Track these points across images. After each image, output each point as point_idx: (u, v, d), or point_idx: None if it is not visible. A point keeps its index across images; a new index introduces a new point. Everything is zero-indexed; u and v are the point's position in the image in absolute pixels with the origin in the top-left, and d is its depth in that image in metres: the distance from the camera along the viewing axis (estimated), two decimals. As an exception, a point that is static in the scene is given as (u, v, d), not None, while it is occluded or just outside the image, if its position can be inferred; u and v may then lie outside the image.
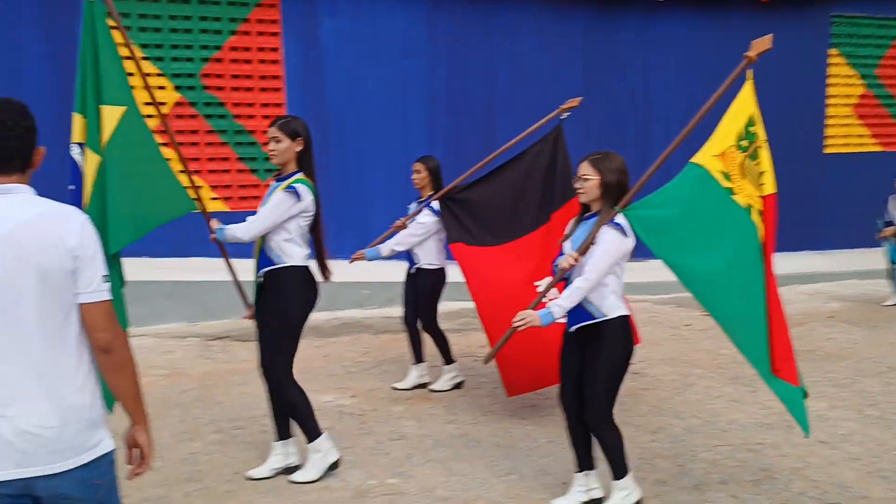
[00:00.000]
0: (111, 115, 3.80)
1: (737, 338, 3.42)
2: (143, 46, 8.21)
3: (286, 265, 3.71)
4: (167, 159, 3.94)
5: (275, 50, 8.67)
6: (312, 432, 3.82)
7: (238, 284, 4.14)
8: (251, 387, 5.29)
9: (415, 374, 5.37)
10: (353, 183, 9.01)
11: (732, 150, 3.44)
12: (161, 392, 5.20)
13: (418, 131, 9.19)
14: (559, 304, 3.30)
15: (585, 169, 3.41)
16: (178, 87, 8.39)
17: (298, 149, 3.74)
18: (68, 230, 1.92)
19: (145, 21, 8.20)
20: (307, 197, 3.69)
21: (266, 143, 3.82)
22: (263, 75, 8.69)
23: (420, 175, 5.23)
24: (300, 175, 3.76)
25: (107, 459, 2.03)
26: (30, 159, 2.02)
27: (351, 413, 4.85)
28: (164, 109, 8.33)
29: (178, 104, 8.40)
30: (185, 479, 3.86)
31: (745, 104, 3.47)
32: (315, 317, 4.16)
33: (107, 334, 1.97)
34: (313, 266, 3.86)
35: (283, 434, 3.91)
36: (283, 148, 3.72)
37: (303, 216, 3.72)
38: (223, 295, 7.36)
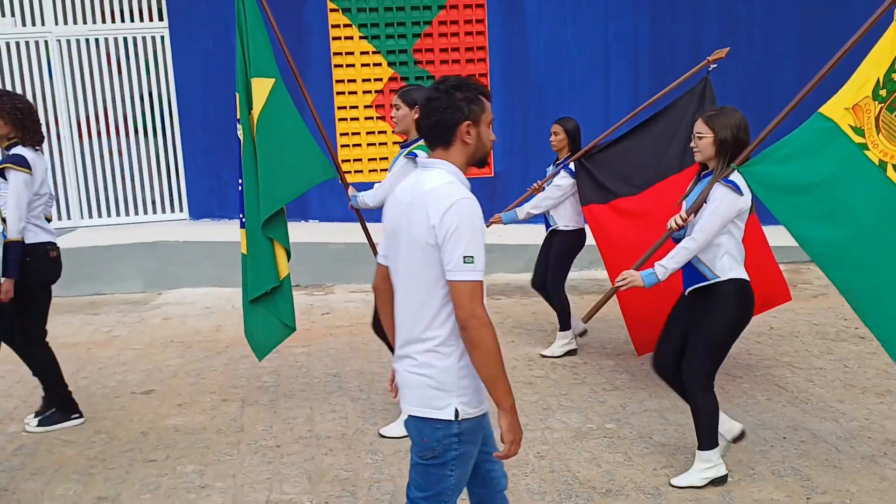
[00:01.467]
0: (262, 87, 4.20)
1: (867, 312, 3.11)
2: (361, 26, 8.85)
3: None
4: (307, 129, 4.29)
5: (480, 21, 8.97)
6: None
7: (372, 245, 4.39)
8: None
9: (557, 340, 5.26)
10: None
11: (867, 102, 3.13)
12: (347, 339, 5.77)
13: (621, 94, 9.11)
14: (663, 264, 3.26)
15: (699, 126, 3.32)
16: (391, 64, 8.96)
17: (417, 116, 3.88)
18: (436, 209, 2.09)
19: (363, 2, 8.82)
20: None
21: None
22: (469, 47, 9.03)
23: (558, 137, 5.21)
24: (421, 142, 3.91)
25: (443, 426, 2.13)
26: (450, 136, 2.21)
27: (563, 364, 5.08)
28: (378, 86, 8.97)
29: (391, 79, 8.98)
30: (382, 409, 4.30)
31: (888, 48, 3.12)
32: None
33: (462, 312, 2.07)
34: None
35: None
36: (402, 115, 3.95)
37: None
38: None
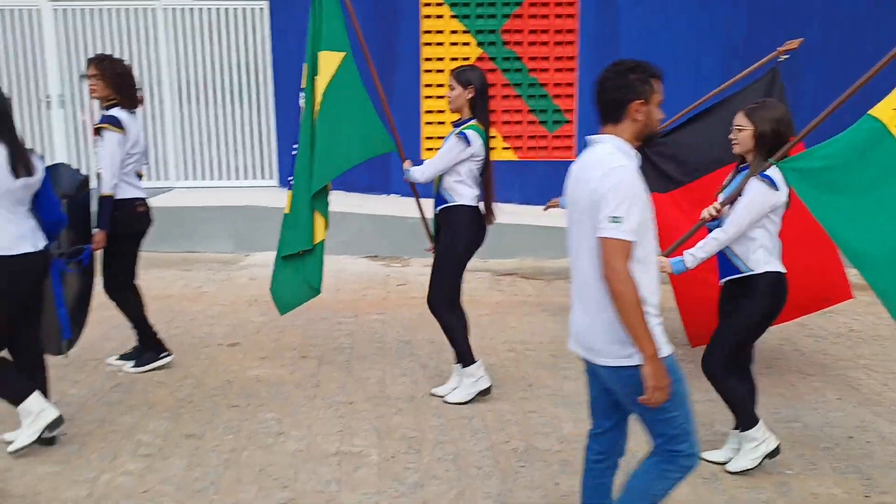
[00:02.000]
0: (331, 60, 4.33)
1: None
2: (452, 5, 8.96)
3: (456, 204, 4.08)
4: (373, 103, 4.43)
5: (571, 4, 8.96)
6: (466, 358, 4.17)
7: (424, 221, 4.60)
8: (539, 317, 5.81)
9: None
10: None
11: None
12: (419, 311, 5.77)
13: (712, 83, 8.92)
14: (692, 253, 3.30)
15: (740, 119, 3.33)
16: (480, 44, 9.05)
17: (469, 96, 4.00)
18: (595, 175, 2.34)
19: (455, -19, 8.93)
20: (476, 142, 3.98)
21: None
22: (559, 29, 9.02)
23: None
24: (473, 122, 4.05)
25: (627, 372, 2.37)
26: (620, 113, 2.42)
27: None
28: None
29: (479, 59, 9.07)
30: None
31: None
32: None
33: (605, 269, 2.31)
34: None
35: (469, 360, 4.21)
36: (456, 95, 4.03)
37: (473, 160, 4.03)
38: (510, 236, 8.03)
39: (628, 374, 2.37)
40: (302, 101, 4.47)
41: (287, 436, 3.77)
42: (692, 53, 8.98)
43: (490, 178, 4.16)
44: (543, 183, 7.76)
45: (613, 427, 2.65)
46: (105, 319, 5.11)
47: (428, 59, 9.06)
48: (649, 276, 2.39)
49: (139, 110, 4.53)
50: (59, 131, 8.99)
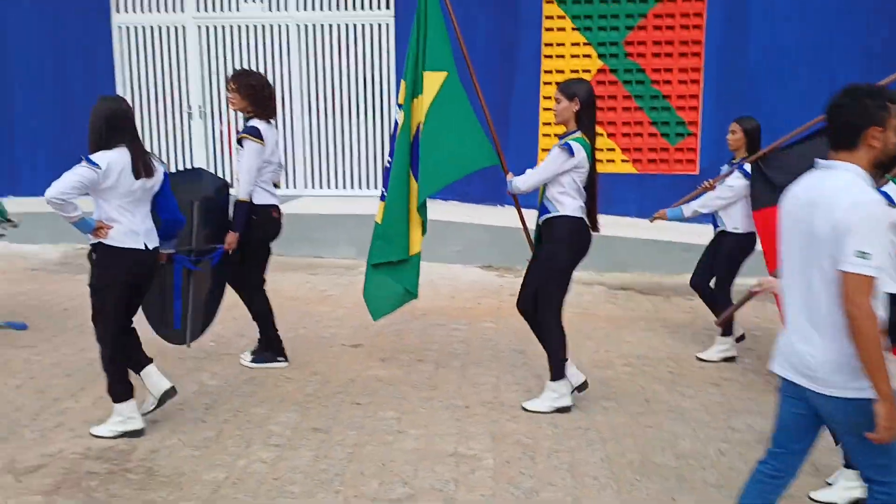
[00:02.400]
0: (434, 80, 4.47)
1: None
2: (574, 18, 8.97)
3: (559, 214, 4.04)
4: (477, 118, 4.51)
5: (698, 15, 8.77)
6: (558, 373, 4.14)
7: (526, 231, 4.61)
8: (657, 333, 5.72)
9: (716, 345, 5.11)
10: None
11: None
12: (576, 326, 5.87)
13: (847, 95, 8.53)
14: None
15: None
16: (601, 56, 9.00)
17: (575, 109, 3.99)
18: (841, 204, 2.29)
19: (578, -6, 8.94)
20: (580, 153, 3.96)
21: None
22: (684, 41, 8.85)
23: (735, 136, 5.01)
24: (578, 133, 4.02)
25: (855, 404, 2.32)
26: (856, 139, 2.36)
27: (755, 370, 4.97)
28: (587, 77, 9.04)
29: (599, 71, 9.03)
30: (601, 396, 4.45)
31: None
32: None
33: (848, 304, 2.26)
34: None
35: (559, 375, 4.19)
36: (562, 108, 4.03)
37: (576, 171, 4.01)
38: (626, 250, 7.93)
39: (855, 406, 2.34)
40: (399, 117, 4.65)
41: (406, 434, 3.91)
42: (827, 63, 8.57)
43: (595, 189, 4.18)
44: (662, 196, 7.58)
45: (800, 450, 2.62)
46: (241, 316, 5.43)
47: (548, 72, 9.10)
48: (881, 312, 2.35)
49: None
50: (199, 140, 9.64)
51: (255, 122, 4.63)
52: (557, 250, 4.15)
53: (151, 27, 9.44)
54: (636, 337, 5.64)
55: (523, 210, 4.76)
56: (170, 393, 3.98)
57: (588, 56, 9.02)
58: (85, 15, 9.30)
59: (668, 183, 8.80)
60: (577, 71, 9.05)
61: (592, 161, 4.12)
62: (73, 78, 9.39)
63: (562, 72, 9.07)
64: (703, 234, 7.65)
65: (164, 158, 9.64)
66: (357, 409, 4.21)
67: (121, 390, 3.87)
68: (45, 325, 5.63)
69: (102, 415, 4.00)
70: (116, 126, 3.70)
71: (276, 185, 4.86)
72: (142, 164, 3.73)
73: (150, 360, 4.02)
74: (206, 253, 4.51)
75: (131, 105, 3.97)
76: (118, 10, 9.40)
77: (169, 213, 3.95)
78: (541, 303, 4.20)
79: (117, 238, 3.71)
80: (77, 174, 3.56)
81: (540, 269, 4.24)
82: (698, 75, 8.87)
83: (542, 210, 4.21)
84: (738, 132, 5.02)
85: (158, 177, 3.86)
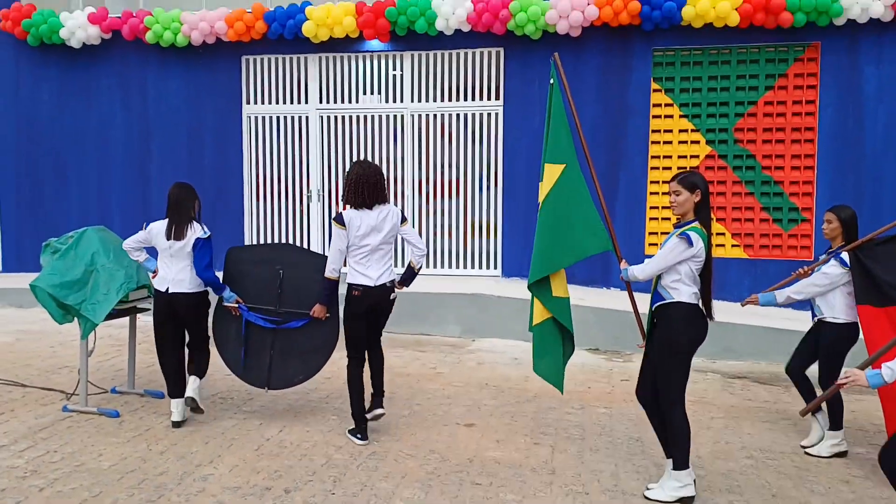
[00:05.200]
0: (553, 172, 4.75)
1: None
2: (682, 105, 9.11)
3: (675, 301, 4.08)
4: (594, 206, 4.72)
5: (811, 102, 8.74)
6: (683, 461, 4.09)
7: (638, 316, 4.61)
8: (778, 425, 5.56)
9: (817, 427, 5.02)
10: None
11: None
12: (692, 415, 5.75)
13: (974, 183, 8.23)
14: (890, 366, 3.12)
15: None
16: (709, 142, 9.06)
17: (696, 200, 4.09)
18: None
19: (686, 83, 9.09)
20: (698, 244, 4.02)
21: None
22: (796, 127, 8.82)
23: (831, 225, 4.94)
24: (695, 224, 4.08)
25: None
26: None
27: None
28: (695, 162, 9.11)
29: (708, 157, 9.07)
30: (724, 489, 4.35)
31: None
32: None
33: None
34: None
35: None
36: (683, 199, 4.11)
37: (694, 260, 4.05)
38: (741, 337, 7.76)
39: None
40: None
41: (527, 518, 3.93)
42: (950, 150, 8.35)
43: (710, 277, 4.21)
44: (775, 282, 7.45)
45: None
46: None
47: (655, 157, 9.21)
48: None
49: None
50: (316, 221, 10.17)
51: (344, 210, 5.04)
52: (674, 336, 4.18)
53: (278, 117, 10.18)
54: (756, 429, 5.49)
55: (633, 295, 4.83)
56: (176, 424, 5.22)
57: (696, 142, 9.10)
58: (220, 104, 10.15)
59: (781, 268, 8.61)
60: (684, 156, 9.14)
61: (708, 250, 4.19)
62: (207, 161, 10.19)
63: (669, 157, 9.18)
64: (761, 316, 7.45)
65: (285, 237, 10.22)
66: (478, 490, 4.27)
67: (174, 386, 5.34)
68: (179, 393, 6.00)
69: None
70: (168, 205, 5.18)
71: (410, 266, 5.19)
72: (172, 231, 5.11)
73: (180, 395, 5.27)
74: (296, 317, 5.29)
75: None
76: (248, 102, 10.20)
77: (198, 272, 5.13)
78: (662, 390, 4.20)
79: (156, 282, 5.24)
80: (137, 234, 5.30)
81: (659, 357, 4.26)
82: (812, 161, 8.78)
83: (657, 297, 4.26)
84: (834, 221, 4.99)
85: (185, 241, 5.11)
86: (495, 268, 9.79)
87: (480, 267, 9.87)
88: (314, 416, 5.53)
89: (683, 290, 4.13)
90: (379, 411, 5.17)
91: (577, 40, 9.03)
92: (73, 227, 7.74)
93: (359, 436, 5.04)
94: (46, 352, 7.48)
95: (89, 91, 10.45)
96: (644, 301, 4.54)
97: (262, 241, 10.23)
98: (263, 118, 10.22)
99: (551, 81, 4.87)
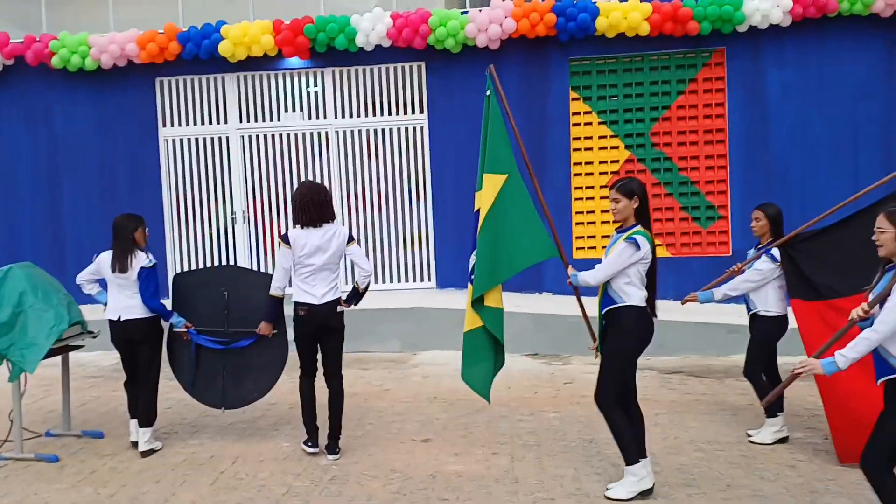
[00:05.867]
0: (494, 182, 4.81)
1: None
2: (600, 112, 9.40)
3: (626, 304, 4.24)
4: (538, 215, 4.81)
5: (720, 105, 9.19)
6: (630, 456, 4.25)
7: (587, 321, 4.77)
8: (719, 416, 5.81)
9: (767, 427, 5.18)
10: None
11: None
12: (594, 409, 5.91)
13: (871, 176, 8.78)
14: (844, 353, 3.30)
15: (880, 221, 3.41)
16: (628, 147, 9.39)
17: (635, 206, 4.28)
18: None
19: (603, 91, 9.39)
20: (645, 246, 4.22)
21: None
22: (708, 129, 9.25)
23: (759, 223, 5.25)
24: (639, 227, 4.28)
25: None
26: None
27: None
28: (615, 167, 9.42)
29: (627, 161, 9.40)
30: (682, 483, 4.51)
31: None
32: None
33: None
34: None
35: (639, 455, 4.31)
36: (622, 206, 4.30)
37: (642, 262, 4.25)
38: (671, 333, 8.05)
39: None
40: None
41: (499, 529, 3.97)
42: (849, 148, 8.94)
43: (655, 278, 4.37)
44: (698, 278, 7.76)
45: None
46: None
47: (577, 164, 9.47)
48: None
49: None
50: (242, 243, 9.95)
51: (291, 230, 5.10)
52: (625, 339, 4.30)
53: (196, 139, 9.92)
54: (699, 421, 5.72)
55: (559, 296, 4.93)
56: (135, 443, 5.28)
57: (616, 147, 9.41)
58: (134, 128, 9.79)
59: (702, 265, 9.04)
60: (605, 162, 9.43)
61: (654, 251, 4.34)
62: (122, 188, 9.81)
63: (591, 163, 9.45)
64: (744, 315, 7.82)
65: (211, 259, 9.94)
66: (446, 506, 4.28)
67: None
68: (119, 431, 5.75)
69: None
70: (113, 234, 5.27)
71: (355, 287, 5.19)
72: (118, 263, 5.16)
73: (135, 417, 5.34)
74: (244, 336, 5.32)
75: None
76: (164, 125, 9.90)
77: (143, 299, 5.17)
78: (602, 389, 4.31)
79: (107, 314, 5.27)
80: (88, 267, 5.35)
81: (607, 358, 4.37)
82: (724, 161, 9.23)
83: (607, 300, 4.37)
84: (762, 218, 5.25)
85: (129, 273, 5.15)
86: (429, 280, 9.82)
87: (415, 280, 9.87)
88: (266, 445, 5.40)
89: (633, 294, 4.26)
90: (331, 458, 5.06)
91: (496, 52, 9.19)
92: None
93: (309, 444, 5.13)
94: (-35, 399, 7.02)
95: (-10, 120, 9.90)
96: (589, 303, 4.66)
97: (184, 269, 9.92)
98: (181, 140, 9.93)
99: (487, 93, 4.94)
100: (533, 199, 4.93)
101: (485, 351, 4.93)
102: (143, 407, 5.25)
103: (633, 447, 4.29)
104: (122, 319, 5.17)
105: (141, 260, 5.18)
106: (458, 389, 6.81)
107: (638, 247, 4.22)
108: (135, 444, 5.30)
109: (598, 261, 4.68)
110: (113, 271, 5.15)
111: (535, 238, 4.86)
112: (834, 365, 3.40)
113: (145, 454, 5.20)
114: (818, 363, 3.44)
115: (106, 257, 5.25)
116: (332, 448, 5.10)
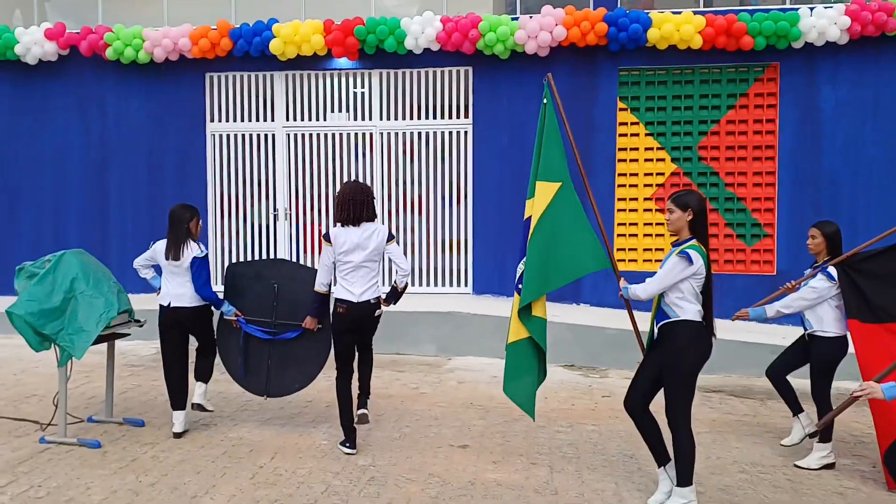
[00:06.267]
0: (547, 190, 4.74)
1: None
2: (647, 124, 9.31)
3: (680, 319, 4.17)
4: (591, 225, 4.73)
5: (771, 121, 9.04)
6: (687, 479, 4.18)
7: (638, 333, 4.70)
8: (763, 438, 5.68)
9: (798, 427, 5.19)
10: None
11: None
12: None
13: (926, 198, 8.62)
14: None
15: None
16: (674, 159, 9.28)
17: (689, 218, 4.20)
18: None
19: (651, 102, 9.30)
20: (698, 261, 4.12)
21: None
22: (757, 145, 9.10)
23: (815, 240, 5.14)
24: (693, 241, 4.19)
25: None
26: None
27: (874, 479, 4.90)
28: (660, 180, 9.31)
29: (673, 174, 9.28)
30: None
31: None
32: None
33: None
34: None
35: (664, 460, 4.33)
36: (675, 218, 4.23)
37: (695, 278, 4.15)
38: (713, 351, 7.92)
39: None
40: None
41: (539, 541, 3.92)
42: (904, 167, 8.73)
43: (711, 295, 4.28)
44: (741, 297, 7.66)
45: None
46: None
47: (622, 175, 9.38)
48: None
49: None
50: (283, 241, 10.02)
51: (332, 227, 5.23)
52: (682, 354, 4.23)
53: (243, 135, 10.02)
54: (743, 443, 5.61)
55: (596, 308, 4.87)
56: (177, 435, 5.40)
57: (662, 160, 9.31)
58: (183, 122, 9.93)
59: (746, 283, 8.89)
60: (650, 174, 9.33)
61: (708, 267, 4.26)
62: (168, 181, 9.95)
63: (636, 174, 9.36)
64: (787, 336, 7.67)
65: (252, 255, 10.02)
66: (486, 513, 4.24)
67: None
68: (160, 420, 5.82)
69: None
70: (169, 223, 5.41)
71: (394, 287, 5.28)
72: (171, 251, 5.31)
73: (181, 407, 5.43)
74: (291, 328, 5.47)
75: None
76: (212, 120, 10.02)
77: (197, 290, 5.33)
78: (670, 408, 4.24)
79: (159, 299, 5.43)
80: (145, 253, 5.58)
81: (668, 377, 4.30)
82: (773, 178, 9.07)
83: (661, 315, 4.31)
84: (819, 237, 5.15)
85: (183, 260, 5.30)
86: (466, 285, 9.79)
87: (451, 284, 9.86)
88: (304, 442, 5.42)
89: (688, 308, 4.20)
90: (362, 411, 5.40)
91: (544, 60, 9.14)
92: (24, 255, 7.47)
93: (347, 444, 5.18)
94: (10, 380, 7.15)
95: (44, 109, 10.10)
96: (615, 316, 4.61)
97: (227, 262, 10.02)
98: (228, 136, 10.04)
99: (544, 101, 4.91)
100: (586, 208, 4.88)
101: (528, 364, 4.87)
102: (201, 365, 5.68)
103: (692, 468, 4.22)
104: (172, 306, 5.37)
105: (194, 250, 5.38)
106: (494, 397, 6.78)
107: (690, 261, 4.15)
108: (177, 435, 5.42)
109: (639, 273, 4.63)
110: (167, 259, 5.33)
111: (587, 248, 4.80)
112: (894, 390, 3.30)
113: (196, 407, 5.66)
114: (878, 387, 3.35)
115: (161, 245, 5.44)
116: (363, 402, 5.46)
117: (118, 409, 6.05)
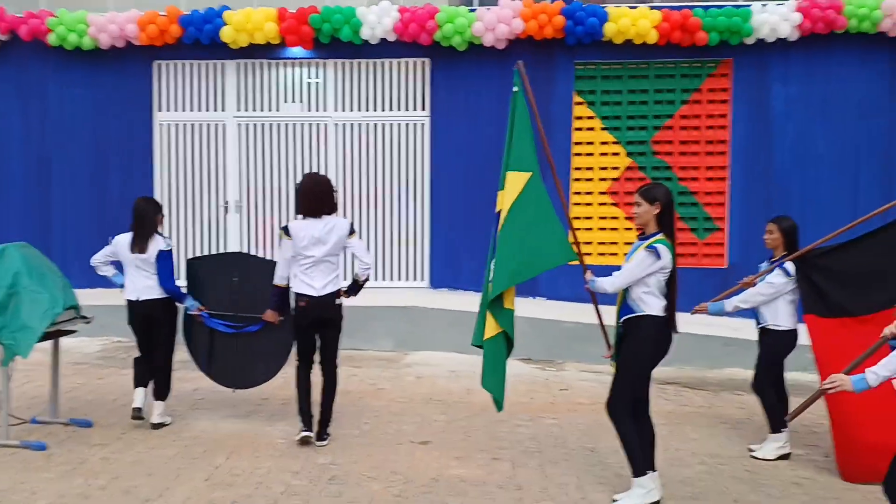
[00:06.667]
0: (518, 180, 4.67)
1: None
2: (603, 118, 9.35)
3: (644, 314, 4.18)
4: (558, 217, 4.67)
5: (723, 116, 9.18)
6: (639, 468, 4.22)
7: (603, 328, 4.70)
8: (719, 429, 5.76)
9: (771, 446, 5.09)
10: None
11: None
12: (593, 417, 5.73)
13: (871, 194, 8.84)
14: (875, 371, 3.24)
15: None
16: (630, 154, 9.35)
17: (656, 212, 4.21)
18: None
19: (607, 96, 9.34)
20: (666, 256, 4.15)
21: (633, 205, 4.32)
22: (710, 140, 9.23)
23: (773, 235, 5.21)
24: (660, 235, 4.22)
25: None
26: None
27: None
28: (615, 174, 9.37)
29: (628, 168, 9.36)
30: (688, 496, 4.45)
31: None
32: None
33: None
34: None
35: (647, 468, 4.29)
36: (642, 211, 4.24)
37: (661, 272, 4.18)
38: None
39: None
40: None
41: (504, 537, 3.88)
42: (850, 166, 8.95)
43: (675, 289, 4.29)
44: (693, 290, 7.72)
45: None
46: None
47: (577, 169, 9.41)
48: None
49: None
50: (234, 233, 9.79)
51: (292, 220, 5.17)
52: (642, 349, 4.24)
53: (192, 124, 9.74)
54: (700, 434, 5.67)
55: (552, 301, 4.84)
56: (135, 413, 5.40)
57: (617, 154, 9.36)
58: (129, 111, 9.60)
59: (698, 277, 8.98)
60: (605, 168, 9.37)
61: (674, 261, 4.27)
62: (114, 172, 9.61)
63: (591, 168, 9.40)
64: (738, 329, 7.81)
65: (200, 251, 9.76)
66: (450, 511, 4.18)
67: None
68: (108, 420, 5.61)
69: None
70: (133, 218, 5.35)
71: (355, 279, 5.22)
72: (137, 244, 5.29)
73: (144, 385, 5.48)
74: (249, 322, 5.48)
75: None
76: (160, 109, 9.71)
77: (162, 282, 5.34)
78: (616, 399, 4.27)
79: (126, 295, 5.41)
80: (104, 248, 5.48)
81: (622, 368, 4.31)
82: (725, 173, 9.21)
83: (626, 310, 4.31)
84: (776, 232, 5.20)
85: (149, 254, 5.29)
86: (423, 279, 9.71)
87: (408, 279, 9.76)
88: (260, 440, 5.28)
89: (652, 303, 4.20)
90: (319, 444, 5.16)
91: (502, 52, 9.10)
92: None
93: (305, 430, 5.16)
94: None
95: (-19, 95, 9.65)
96: (571, 309, 4.60)
97: (177, 256, 9.72)
98: (177, 126, 9.74)
99: (515, 89, 4.83)
100: (554, 199, 4.83)
101: (501, 357, 4.82)
102: (158, 382, 5.48)
103: (641, 459, 4.24)
104: (141, 299, 5.34)
105: (159, 243, 5.38)
106: (453, 392, 6.73)
107: (658, 256, 4.15)
108: (137, 410, 5.41)
109: (595, 268, 4.63)
110: (132, 252, 5.29)
111: (554, 240, 4.72)
112: (864, 382, 3.34)
113: (156, 426, 5.42)
114: (848, 380, 3.38)
115: (124, 238, 5.39)
116: (321, 435, 5.21)
117: (64, 409, 5.79)
